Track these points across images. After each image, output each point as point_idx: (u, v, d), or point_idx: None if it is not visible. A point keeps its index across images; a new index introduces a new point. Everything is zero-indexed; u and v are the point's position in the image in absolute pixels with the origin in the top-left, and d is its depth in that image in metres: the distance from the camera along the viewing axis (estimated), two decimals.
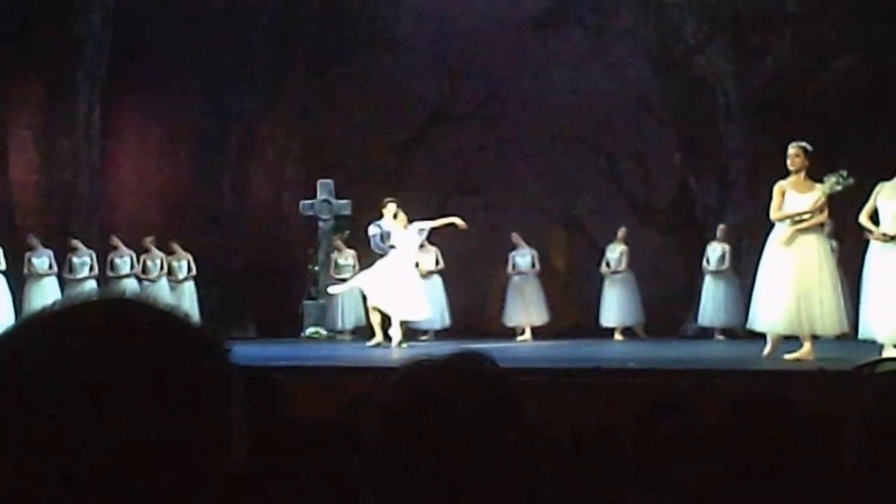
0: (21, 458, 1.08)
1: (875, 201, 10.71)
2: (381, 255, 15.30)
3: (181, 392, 1.12)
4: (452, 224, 15.32)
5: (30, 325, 1.17)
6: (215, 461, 1.14)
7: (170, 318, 1.17)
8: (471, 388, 1.75)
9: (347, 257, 18.43)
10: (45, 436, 1.08)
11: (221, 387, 1.16)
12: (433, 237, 16.56)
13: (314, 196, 18.60)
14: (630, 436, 4.56)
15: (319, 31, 20.68)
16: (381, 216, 15.52)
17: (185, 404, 1.12)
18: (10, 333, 1.18)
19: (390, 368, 10.53)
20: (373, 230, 15.69)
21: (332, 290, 17.13)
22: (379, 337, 15.04)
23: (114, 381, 1.10)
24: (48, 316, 1.17)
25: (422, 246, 15.98)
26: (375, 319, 15.20)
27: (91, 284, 17.84)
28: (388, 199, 15.49)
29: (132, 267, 18.23)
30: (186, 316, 1.20)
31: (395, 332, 14.74)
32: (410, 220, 15.21)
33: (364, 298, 15.79)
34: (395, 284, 14.71)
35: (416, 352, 14.23)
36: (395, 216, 15.18)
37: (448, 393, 1.69)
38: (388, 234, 15.23)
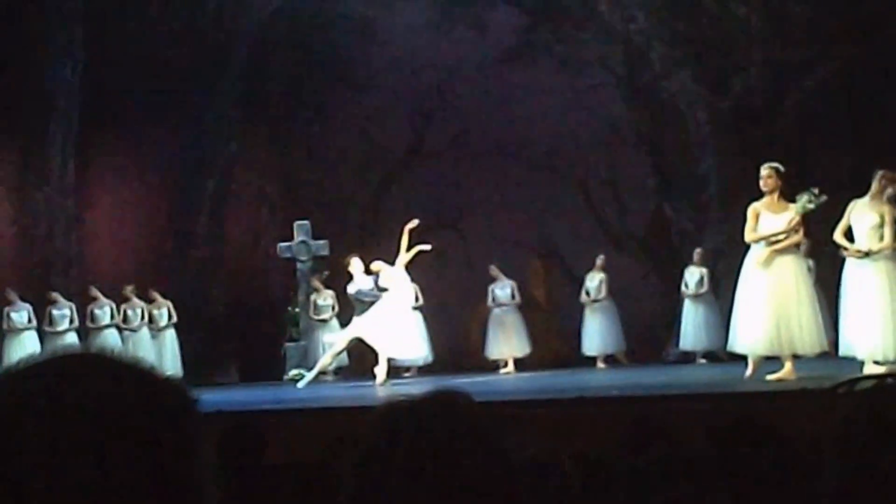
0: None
1: (848, 219, 10.76)
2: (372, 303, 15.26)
3: (144, 444, 1.12)
4: (420, 251, 15.30)
5: (11, 376, 1.17)
6: None
7: (132, 371, 1.18)
8: (444, 425, 1.75)
9: (327, 298, 18.41)
10: (3, 490, 1.08)
11: (186, 437, 1.16)
12: (412, 274, 16.55)
13: (291, 238, 18.59)
14: (614, 464, 4.56)
15: (291, 74, 20.73)
16: (350, 276, 15.64)
17: (147, 457, 1.12)
18: None
19: (373, 408, 10.51)
20: (352, 289, 15.69)
21: (326, 338, 17.08)
22: (310, 375, 15.18)
23: (75, 436, 1.10)
24: (10, 374, 1.17)
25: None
26: (329, 355, 15.35)
27: (72, 337, 17.76)
28: (349, 257, 15.62)
29: (112, 317, 18.15)
30: (151, 368, 1.20)
31: (381, 370, 14.69)
32: (384, 260, 15.18)
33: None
34: (392, 324, 14.68)
35: (400, 390, 14.20)
36: (367, 268, 15.27)
37: (422, 432, 1.70)
38: (374, 283, 15.24)
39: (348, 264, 15.62)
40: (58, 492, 1.09)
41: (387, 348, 14.71)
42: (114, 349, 1.23)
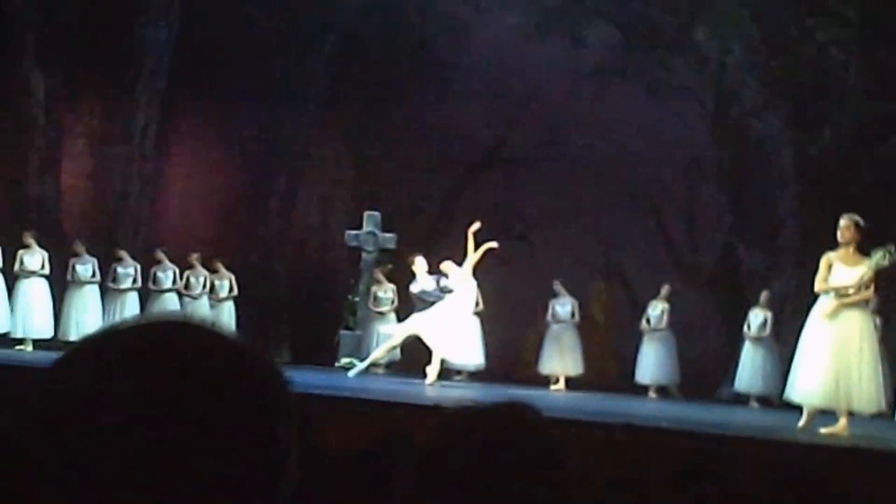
0: (78, 477, 1.08)
1: None
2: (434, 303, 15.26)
3: (241, 421, 1.12)
4: (489, 249, 15.24)
5: (94, 345, 1.17)
6: (271, 492, 1.13)
7: (233, 345, 1.17)
8: (512, 438, 1.74)
9: (387, 291, 18.44)
10: (103, 456, 1.08)
11: (281, 416, 1.16)
12: (477, 278, 16.56)
13: (360, 227, 18.64)
14: (662, 496, 4.52)
15: (379, 66, 20.79)
16: (413, 275, 15.64)
17: (244, 433, 1.12)
18: (74, 354, 1.18)
19: (422, 406, 10.50)
20: (415, 288, 15.70)
21: (382, 329, 17.09)
22: (363, 365, 15.15)
23: (174, 405, 1.10)
24: (114, 335, 1.17)
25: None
26: (385, 348, 15.30)
27: (133, 296, 17.96)
28: (413, 256, 15.60)
29: (174, 282, 18.29)
30: (248, 343, 1.19)
31: (433, 370, 14.68)
32: (452, 260, 15.15)
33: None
34: (451, 326, 14.67)
35: (449, 392, 14.19)
36: (432, 268, 15.26)
37: (488, 442, 1.69)
38: (436, 284, 15.24)
39: (412, 263, 15.63)
40: (147, 455, 1.08)
41: (442, 349, 14.70)
42: (212, 320, 1.22)
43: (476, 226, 15.02)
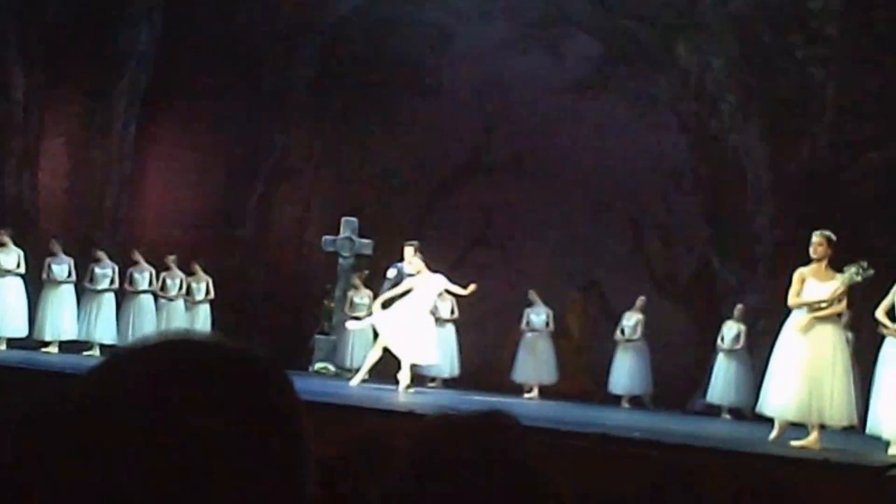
0: (103, 490, 1.11)
1: (893, 297, 10.70)
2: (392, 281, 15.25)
3: (262, 432, 1.15)
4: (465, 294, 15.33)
5: (115, 364, 1.20)
6: (294, 498, 1.17)
7: (246, 358, 1.21)
8: (490, 446, 1.78)
9: (364, 296, 18.45)
10: (127, 470, 1.11)
11: (296, 424, 1.20)
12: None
13: (337, 232, 18.65)
14: None
15: (360, 72, 20.81)
16: (401, 257, 15.53)
17: (266, 445, 1.15)
18: (97, 371, 1.21)
19: (396, 412, 10.53)
20: (391, 272, 15.70)
21: (349, 325, 17.12)
22: (363, 375, 15.04)
23: (198, 422, 1.13)
24: (132, 354, 1.20)
25: (439, 294, 15.99)
26: (372, 359, 15.16)
27: (109, 297, 17.92)
28: (409, 242, 15.50)
29: (150, 283, 18.25)
30: (259, 355, 1.23)
31: (404, 376, 14.71)
32: (434, 270, 15.14)
33: (375, 338, 15.76)
34: (409, 328, 14.69)
35: (422, 398, 14.23)
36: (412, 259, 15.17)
37: (473, 452, 1.72)
38: (404, 276, 15.22)
39: (406, 246, 15.47)
40: (182, 478, 1.11)
41: (408, 355, 14.73)
42: (221, 335, 1.26)
43: (472, 288, 15.11)
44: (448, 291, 15.56)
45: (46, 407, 1.25)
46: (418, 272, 14.95)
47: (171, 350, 1.20)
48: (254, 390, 1.18)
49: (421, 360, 15.29)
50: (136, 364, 1.18)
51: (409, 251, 15.26)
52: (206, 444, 1.12)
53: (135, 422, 1.12)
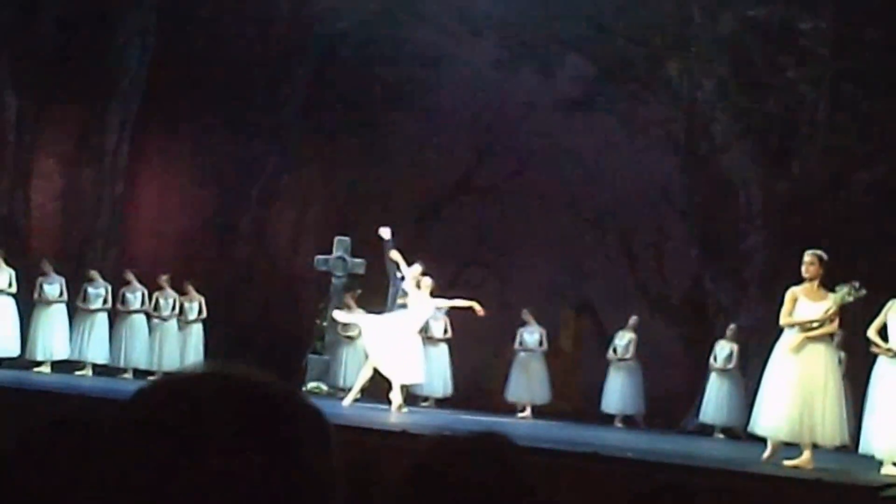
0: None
1: (885, 317, 10.73)
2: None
3: (296, 460, 1.18)
4: (470, 308, 15.23)
5: (155, 392, 1.23)
6: None
7: (278, 390, 1.24)
8: (488, 467, 1.79)
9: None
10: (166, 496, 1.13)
11: (327, 449, 1.22)
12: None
13: (330, 252, 18.65)
14: None
15: (353, 92, 20.85)
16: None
17: (299, 473, 1.17)
18: (137, 399, 1.23)
19: (389, 432, 10.52)
20: (397, 277, 15.59)
21: (336, 314, 17.00)
22: (355, 395, 15.00)
23: (232, 451, 1.15)
24: (172, 383, 1.23)
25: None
26: (363, 378, 15.13)
27: (102, 316, 17.92)
28: (415, 263, 15.42)
29: (143, 303, 18.26)
30: (291, 388, 1.26)
31: (396, 396, 14.70)
32: (432, 294, 15.10)
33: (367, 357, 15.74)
34: (397, 347, 14.67)
35: (415, 418, 14.21)
36: (417, 282, 15.12)
37: (469, 473, 1.74)
38: (403, 291, 15.18)
39: (411, 265, 15.40)
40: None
41: (398, 376, 14.73)
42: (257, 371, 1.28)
43: (480, 311, 15.02)
44: (452, 307, 15.50)
45: (73, 430, 1.26)
46: (420, 287, 14.92)
47: (210, 382, 1.22)
48: (283, 427, 1.20)
49: (409, 380, 15.26)
50: (174, 394, 1.20)
51: (417, 269, 15.19)
52: (229, 484, 1.14)
53: (164, 453, 1.14)
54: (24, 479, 1.23)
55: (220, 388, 1.21)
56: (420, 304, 14.94)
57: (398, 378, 14.78)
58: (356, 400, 14.93)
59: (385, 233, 15.48)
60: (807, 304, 10.75)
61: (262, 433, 1.18)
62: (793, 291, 10.87)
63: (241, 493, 1.14)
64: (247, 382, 1.23)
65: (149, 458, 1.15)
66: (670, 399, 18.25)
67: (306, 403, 1.27)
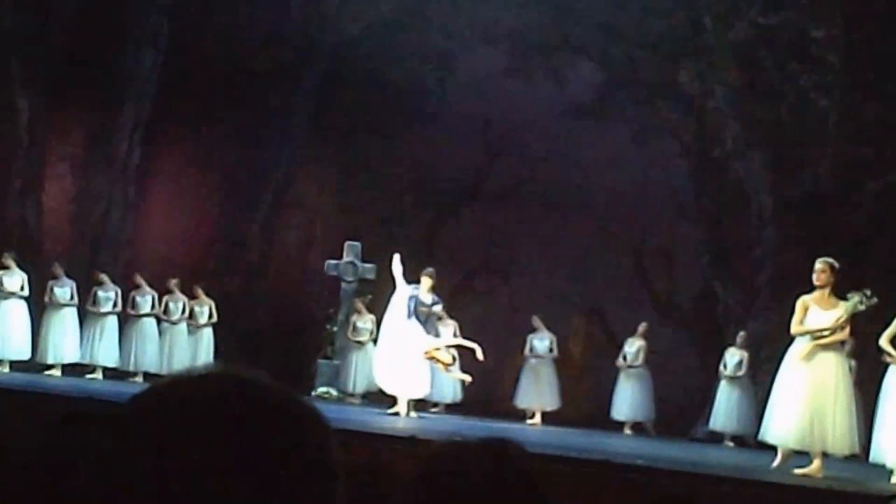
0: None
1: None
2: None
3: (297, 465, 1.18)
4: (469, 349, 15.25)
5: (154, 396, 1.23)
6: None
7: (281, 394, 1.24)
8: (496, 474, 1.79)
9: (367, 321, 18.44)
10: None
11: (327, 451, 1.22)
12: (452, 311, 16.61)
13: (340, 257, 18.66)
14: None
15: (364, 98, 20.86)
16: (418, 281, 15.41)
17: (299, 473, 1.17)
18: (136, 402, 1.23)
19: (397, 437, 10.52)
20: (411, 294, 15.55)
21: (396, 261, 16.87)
22: (400, 406, 14.95)
23: (233, 458, 1.15)
24: (172, 386, 1.23)
25: (440, 318, 15.99)
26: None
27: (112, 319, 17.96)
28: (428, 270, 15.36)
29: (153, 307, 18.29)
30: (292, 394, 1.26)
31: (401, 407, 14.74)
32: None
33: None
34: (400, 364, 14.66)
35: (426, 424, 14.20)
36: (431, 288, 15.10)
37: (479, 479, 1.73)
38: (418, 303, 15.14)
39: (425, 274, 15.34)
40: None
41: (403, 392, 14.76)
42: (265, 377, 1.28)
43: (480, 357, 15.03)
44: (456, 338, 15.60)
45: (83, 429, 1.27)
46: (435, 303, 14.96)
47: (209, 383, 1.22)
48: (283, 427, 1.20)
49: (415, 395, 15.26)
50: (179, 396, 1.20)
51: (427, 282, 15.13)
52: (230, 484, 1.14)
53: (164, 453, 1.14)
54: (27, 476, 1.24)
55: (219, 389, 1.21)
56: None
57: (403, 395, 14.82)
58: (365, 404, 14.98)
59: (396, 266, 15.39)
60: (818, 312, 10.74)
61: (262, 434, 1.18)
62: (804, 300, 10.85)
63: (241, 493, 1.14)
64: (246, 383, 1.23)
65: (148, 458, 1.15)
66: (680, 406, 18.20)
67: (305, 404, 1.27)
